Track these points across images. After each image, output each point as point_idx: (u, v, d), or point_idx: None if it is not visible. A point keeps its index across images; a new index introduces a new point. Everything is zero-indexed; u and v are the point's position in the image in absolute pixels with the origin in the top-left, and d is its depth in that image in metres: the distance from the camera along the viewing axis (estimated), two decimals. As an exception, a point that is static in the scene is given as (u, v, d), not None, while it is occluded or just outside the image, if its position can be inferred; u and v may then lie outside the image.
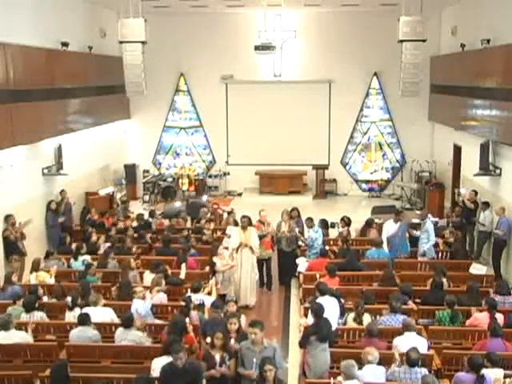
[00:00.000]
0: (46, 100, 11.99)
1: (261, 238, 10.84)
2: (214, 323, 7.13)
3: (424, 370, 6.26)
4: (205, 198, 16.44)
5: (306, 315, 8.08)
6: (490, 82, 12.24)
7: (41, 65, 11.95)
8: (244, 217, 10.80)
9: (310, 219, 11.47)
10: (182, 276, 9.48)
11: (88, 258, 10.42)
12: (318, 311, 7.07)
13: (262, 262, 11.13)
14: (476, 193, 12.83)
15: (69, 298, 8.26)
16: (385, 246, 10.78)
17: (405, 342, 6.76)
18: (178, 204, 15.03)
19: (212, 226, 12.45)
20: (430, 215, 11.61)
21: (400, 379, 6.25)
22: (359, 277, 9.88)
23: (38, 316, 7.99)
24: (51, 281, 9.57)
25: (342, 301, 8.35)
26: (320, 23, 18.13)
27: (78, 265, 10.32)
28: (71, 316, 8.01)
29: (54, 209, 12.64)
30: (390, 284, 9.15)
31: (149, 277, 9.19)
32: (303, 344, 7.00)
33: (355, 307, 7.92)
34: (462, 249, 11.44)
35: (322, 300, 7.64)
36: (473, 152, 13.37)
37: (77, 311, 7.89)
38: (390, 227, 11.11)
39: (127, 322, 7.32)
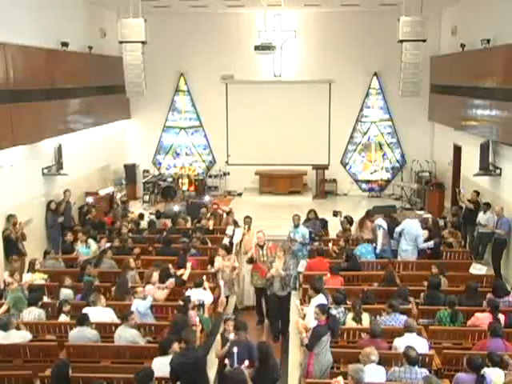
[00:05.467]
0: (46, 100, 12.00)
1: (253, 261, 9.73)
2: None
3: (424, 371, 6.27)
4: (207, 198, 16.26)
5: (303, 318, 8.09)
6: (490, 82, 12.24)
7: (41, 65, 11.95)
8: (247, 217, 10.79)
9: (297, 216, 11.31)
10: (185, 277, 9.41)
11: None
12: (325, 310, 7.09)
13: (259, 292, 9.83)
14: (478, 193, 12.82)
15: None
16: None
17: (405, 343, 6.75)
18: (176, 208, 14.93)
19: (211, 224, 12.47)
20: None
21: (400, 379, 6.25)
22: (359, 277, 9.92)
23: (37, 313, 8.01)
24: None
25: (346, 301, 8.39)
26: (320, 23, 18.12)
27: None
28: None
29: (53, 209, 12.66)
30: (390, 284, 9.16)
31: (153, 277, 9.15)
32: (313, 346, 6.87)
33: (353, 307, 7.93)
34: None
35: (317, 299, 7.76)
36: (473, 152, 13.37)
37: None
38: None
39: (124, 317, 7.36)
